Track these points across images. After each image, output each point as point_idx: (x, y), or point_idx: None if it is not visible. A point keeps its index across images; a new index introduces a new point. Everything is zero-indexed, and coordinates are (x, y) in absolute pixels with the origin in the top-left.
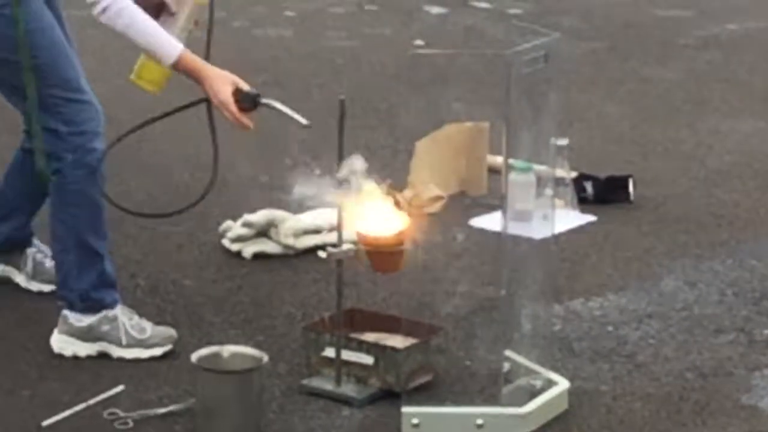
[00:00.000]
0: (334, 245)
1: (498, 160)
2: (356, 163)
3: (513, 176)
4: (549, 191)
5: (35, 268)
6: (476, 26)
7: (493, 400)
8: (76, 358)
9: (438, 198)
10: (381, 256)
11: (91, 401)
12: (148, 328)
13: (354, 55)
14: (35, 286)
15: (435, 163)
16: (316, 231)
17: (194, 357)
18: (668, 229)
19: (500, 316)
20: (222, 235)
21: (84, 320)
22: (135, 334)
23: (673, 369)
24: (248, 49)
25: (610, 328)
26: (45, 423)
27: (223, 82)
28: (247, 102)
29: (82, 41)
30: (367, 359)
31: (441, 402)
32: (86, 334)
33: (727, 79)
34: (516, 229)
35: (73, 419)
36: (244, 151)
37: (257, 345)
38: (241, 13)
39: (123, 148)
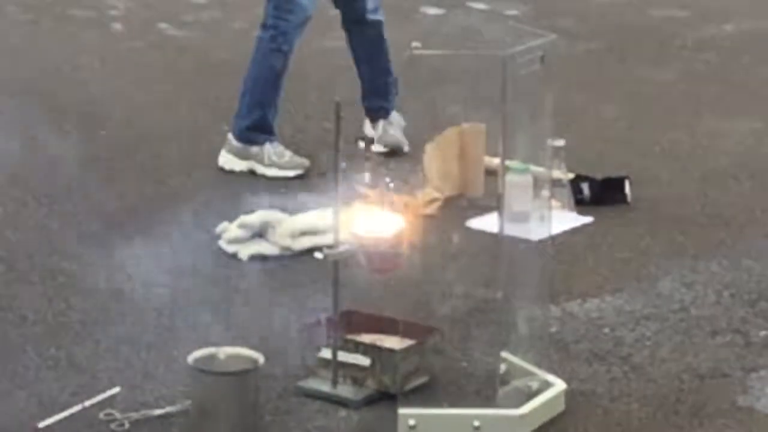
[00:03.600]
0: (330, 246)
1: (495, 161)
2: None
3: (510, 177)
4: (546, 192)
5: None
6: (473, 27)
7: (489, 401)
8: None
9: (434, 200)
10: (377, 258)
11: (88, 403)
12: (287, 155)
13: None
14: None
15: (439, 166)
16: (313, 232)
17: (190, 358)
18: (665, 230)
19: (497, 317)
20: (218, 237)
21: (239, 144)
22: (275, 158)
23: (670, 370)
24: (247, 51)
25: (606, 330)
26: (41, 424)
27: None
28: None
29: (81, 42)
30: (364, 361)
31: (437, 403)
32: (240, 153)
33: (723, 80)
34: (513, 230)
35: (69, 420)
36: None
37: (253, 346)
38: (240, 15)
39: (119, 148)
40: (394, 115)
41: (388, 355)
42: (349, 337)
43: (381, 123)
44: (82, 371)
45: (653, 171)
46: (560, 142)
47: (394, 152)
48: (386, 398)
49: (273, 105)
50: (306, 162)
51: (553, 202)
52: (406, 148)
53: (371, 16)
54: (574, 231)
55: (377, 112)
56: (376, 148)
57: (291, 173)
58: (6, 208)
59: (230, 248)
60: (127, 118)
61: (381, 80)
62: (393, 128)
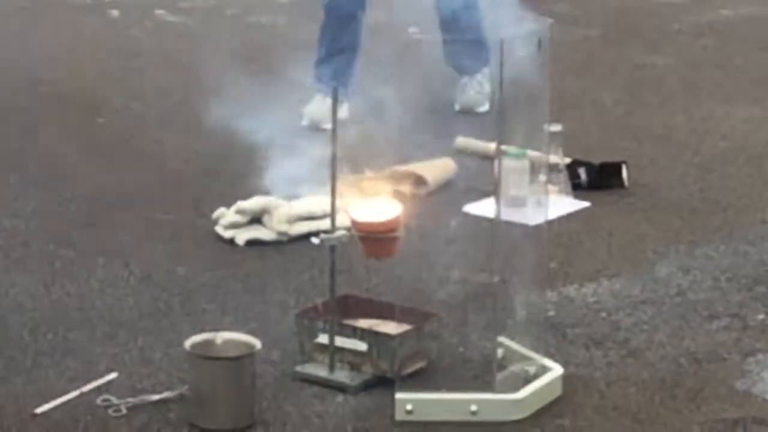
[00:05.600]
0: (327, 231)
1: (491, 146)
2: None
3: (507, 162)
4: (543, 177)
5: None
6: None
7: (486, 386)
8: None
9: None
10: (374, 243)
11: (85, 388)
12: None
13: None
14: None
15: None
16: (310, 217)
17: (187, 344)
18: (662, 215)
19: (494, 302)
20: (215, 222)
21: None
22: None
23: (667, 355)
24: (241, 37)
25: (603, 314)
26: (38, 410)
27: None
28: None
29: (78, 28)
30: (361, 346)
31: (435, 388)
32: None
33: (721, 65)
34: (510, 215)
35: (66, 407)
36: (238, 139)
37: (250, 332)
38: (234, 1)
39: (117, 134)
40: (479, 77)
41: (385, 340)
42: (346, 322)
43: (462, 81)
44: (79, 357)
45: (650, 156)
46: (557, 127)
47: (469, 111)
48: (383, 383)
49: None
50: None
51: (550, 187)
52: (481, 109)
53: None
54: (571, 216)
55: (459, 71)
56: (455, 104)
57: None
58: (3, 195)
59: (227, 233)
60: (125, 105)
61: (465, 44)
62: (472, 88)
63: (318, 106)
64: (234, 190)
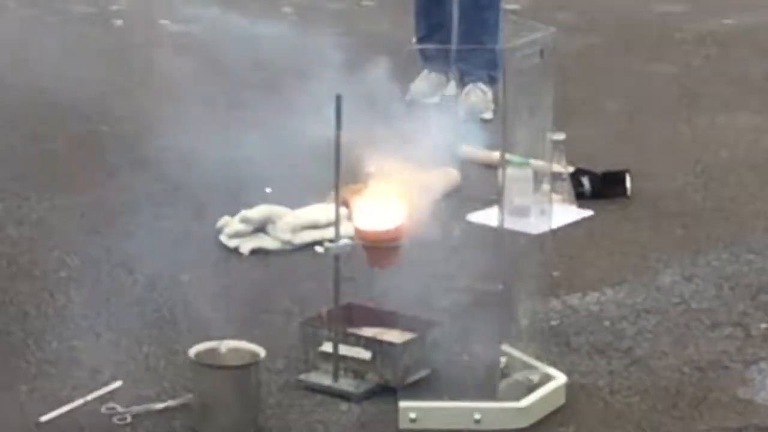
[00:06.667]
0: (331, 240)
1: (495, 155)
2: None
3: (510, 171)
4: (546, 186)
5: None
6: None
7: (490, 394)
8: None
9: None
10: (378, 251)
11: (90, 397)
12: None
13: (351, 51)
14: None
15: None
16: (314, 226)
17: (192, 352)
18: (665, 224)
19: (498, 310)
20: (219, 231)
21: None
22: None
23: (670, 363)
24: (245, 46)
25: (607, 323)
26: (43, 419)
27: None
28: None
29: (83, 37)
30: (365, 354)
31: (438, 397)
32: None
33: (723, 74)
34: (513, 223)
35: (71, 415)
36: (242, 148)
37: (255, 340)
38: (238, 9)
39: (120, 143)
40: (481, 84)
41: (388, 348)
42: (350, 330)
43: (468, 87)
44: (83, 365)
45: (653, 165)
46: (560, 136)
47: (472, 118)
48: (387, 391)
49: None
50: None
51: (554, 196)
52: (485, 116)
53: None
54: (575, 224)
55: (463, 75)
56: (459, 111)
57: None
58: (7, 203)
59: (231, 242)
60: (129, 114)
61: (472, 43)
62: (476, 95)
63: (422, 82)
64: (238, 198)
